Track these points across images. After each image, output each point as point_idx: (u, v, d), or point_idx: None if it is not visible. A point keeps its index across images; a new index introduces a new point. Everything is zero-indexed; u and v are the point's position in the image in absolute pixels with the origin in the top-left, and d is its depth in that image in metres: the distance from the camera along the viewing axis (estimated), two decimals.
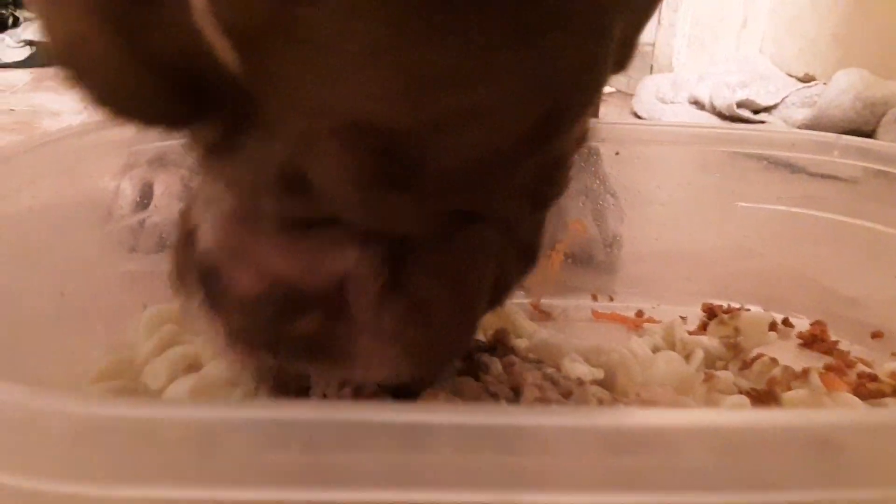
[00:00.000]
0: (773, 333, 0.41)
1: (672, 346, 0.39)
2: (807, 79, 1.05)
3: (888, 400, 0.34)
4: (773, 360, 0.36)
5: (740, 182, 0.47)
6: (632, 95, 1.12)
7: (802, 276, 0.46)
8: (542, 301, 0.45)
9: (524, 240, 0.24)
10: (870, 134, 0.87)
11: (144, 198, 0.40)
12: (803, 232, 0.46)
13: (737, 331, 0.39)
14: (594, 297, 0.47)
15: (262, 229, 0.20)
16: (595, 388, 0.27)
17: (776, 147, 0.46)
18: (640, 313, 0.45)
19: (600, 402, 0.26)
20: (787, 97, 0.96)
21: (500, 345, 0.31)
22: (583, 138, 0.24)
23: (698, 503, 0.16)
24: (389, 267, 0.21)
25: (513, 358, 0.28)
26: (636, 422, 0.16)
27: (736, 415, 0.20)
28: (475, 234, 0.22)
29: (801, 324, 0.44)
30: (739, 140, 0.47)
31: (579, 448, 0.16)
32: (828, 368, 0.38)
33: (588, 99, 0.19)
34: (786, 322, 0.44)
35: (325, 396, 0.24)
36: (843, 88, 0.90)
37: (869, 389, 0.35)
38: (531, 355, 0.32)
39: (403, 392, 0.24)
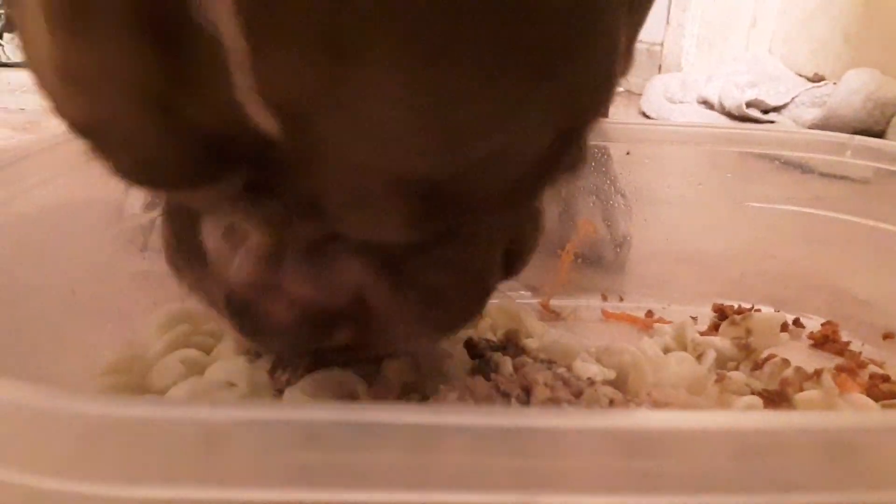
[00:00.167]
0: (784, 334, 0.41)
1: (683, 347, 0.39)
2: (816, 79, 1.04)
3: None
4: (785, 361, 0.36)
5: (751, 182, 0.47)
6: (640, 95, 1.12)
7: (813, 276, 0.46)
8: (552, 301, 0.45)
9: (532, 209, 0.26)
10: (880, 134, 0.87)
11: (155, 197, 0.40)
12: (814, 232, 0.46)
13: (748, 332, 0.39)
14: (604, 298, 0.47)
15: (287, 261, 0.22)
16: (606, 389, 0.27)
17: (789, 147, 0.46)
18: (650, 313, 0.45)
19: (612, 402, 0.26)
20: (796, 97, 0.96)
21: (511, 344, 0.31)
22: None
23: None
24: (400, 264, 0.23)
25: (524, 358, 0.28)
26: (651, 424, 0.16)
27: (751, 417, 0.20)
28: (480, 226, 0.23)
29: (812, 324, 0.43)
30: (750, 140, 0.47)
31: (593, 450, 0.16)
32: (839, 369, 0.37)
33: (602, 109, 0.21)
34: (797, 322, 0.44)
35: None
36: (853, 88, 0.89)
37: (882, 390, 0.35)
38: (542, 355, 0.31)
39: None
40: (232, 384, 0.30)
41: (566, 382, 0.26)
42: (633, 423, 0.17)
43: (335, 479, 0.15)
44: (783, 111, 0.96)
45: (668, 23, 1.22)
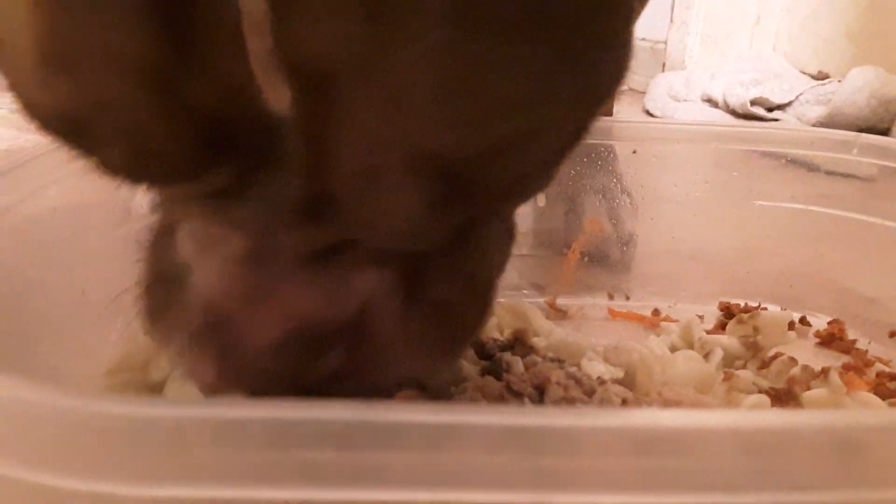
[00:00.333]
0: (791, 333, 0.41)
1: (690, 346, 0.39)
2: (821, 76, 1.04)
3: None
4: (792, 360, 0.36)
5: (757, 180, 0.47)
6: (644, 93, 1.12)
7: (820, 274, 0.46)
8: (559, 300, 0.45)
9: (507, 219, 0.25)
10: (884, 131, 0.87)
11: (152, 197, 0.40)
12: (820, 230, 0.46)
13: (756, 330, 0.39)
14: (610, 296, 0.47)
15: (280, 268, 0.19)
16: (617, 388, 0.27)
17: (795, 145, 0.46)
18: (656, 312, 0.45)
19: (624, 401, 0.26)
20: (801, 95, 0.96)
21: (519, 344, 0.31)
22: None
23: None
24: (407, 276, 0.21)
25: (535, 357, 0.28)
26: (664, 423, 0.16)
27: (762, 416, 0.20)
28: (485, 230, 0.23)
29: (819, 322, 0.44)
30: (757, 138, 0.47)
31: (607, 449, 0.16)
32: (846, 368, 0.37)
33: (611, 100, 0.20)
34: (803, 321, 0.44)
35: None
36: (857, 86, 0.89)
37: (889, 388, 0.35)
38: (550, 354, 0.32)
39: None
40: None
41: (578, 381, 0.26)
42: (647, 422, 0.17)
43: (348, 477, 0.15)
44: (787, 109, 0.96)
45: (672, 21, 1.22)
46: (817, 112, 0.92)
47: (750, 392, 0.34)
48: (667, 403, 0.29)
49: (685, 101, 1.05)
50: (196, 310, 0.20)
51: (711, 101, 1.01)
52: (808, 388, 0.34)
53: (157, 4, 0.15)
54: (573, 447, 0.16)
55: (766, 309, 0.43)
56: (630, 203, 0.47)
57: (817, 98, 0.94)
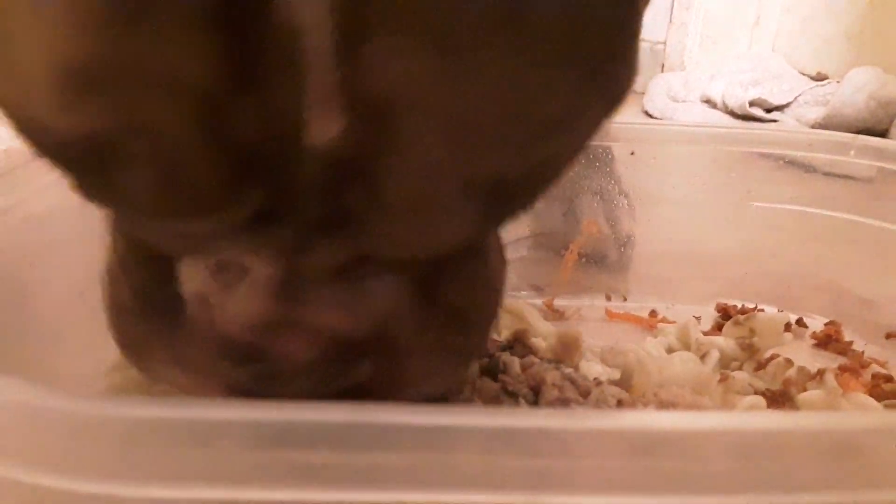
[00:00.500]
0: (787, 334, 0.41)
1: (687, 347, 0.39)
2: (820, 77, 1.04)
3: None
4: (788, 361, 0.36)
5: (755, 182, 0.47)
6: (643, 94, 1.11)
7: (817, 276, 0.46)
8: (556, 301, 0.45)
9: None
10: (883, 133, 0.87)
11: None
12: (818, 232, 0.46)
13: (752, 332, 0.39)
14: (608, 297, 0.47)
15: (306, 289, 0.19)
16: (613, 389, 0.27)
17: (792, 147, 0.46)
18: (653, 313, 0.45)
19: (620, 402, 0.27)
20: (799, 96, 0.96)
21: (518, 344, 0.31)
22: None
23: None
24: (422, 283, 0.21)
25: (532, 358, 0.28)
26: (658, 424, 0.17)
27: (757, 418, 0.20)
28: (496, 235, 0.23)
29: (816, 324, 0.44)
30: (754, 140, 0.47)
31: (602, 450, 0.16)
32: (842, 369, 0.38)
33: None
34: (800, 322, 0.44)
35: None
36: (856, 87, 0.89)
37: (884, 390, 0.35)
38: (549, 355, 0.32)
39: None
40: None
41: (574, 382, 0.26)
42: (640, 423, 0.17)
43: (344, 479, 0.15)
44: (786, 110, 0.96)
45: (671, 21, 1.22)
46: (816, 113, 0.92)
47: (746, 393, 0.34)
48: (663, 405, 0.29)
49: (684, 101, 1.05)
50: (216, 340, 0.20)
51: (710, 102, 1.01)
52: (804, 390, 0.34)
53: (222, 26, 0.14)
54: (565, 449, 0.16)
55: (762, 310, 0.43)
56: (628, 204, 0.47)
57: (816, 99, 0.94)
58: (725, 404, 0.33)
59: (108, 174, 0.17)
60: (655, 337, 0.41)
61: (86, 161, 0.17)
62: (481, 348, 0.25)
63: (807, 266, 0.46)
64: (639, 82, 1.17)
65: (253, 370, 0.20)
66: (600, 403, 0.26)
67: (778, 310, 0.44)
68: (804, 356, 0.40)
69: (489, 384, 0.26)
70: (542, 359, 0.29)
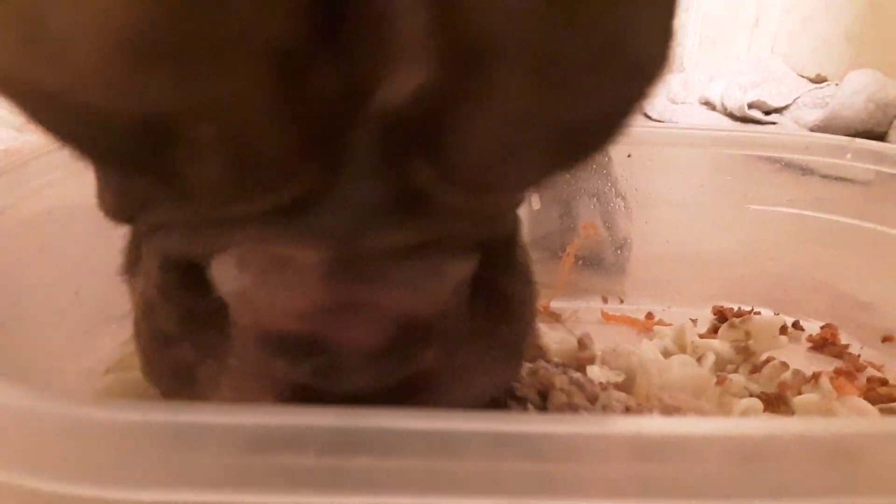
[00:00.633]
0: (783, 337, 0.41)
1: (683, 349, 0.39)
2: (819, 79, 1.04)
3: None
4: (784, 364, 0.36)
5: (752, 184, 0.47)
6: None
7: (814, 279, 0.46)
8: (552, 303, 0.45)
9: None
10: (882, 135, 0.87)
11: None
12: (815, 235, 0.46)
13: (747, 335, 0.39)
14: (604, 300, 0.47)
15: (366, 270, 0.17)
16: (620, 394, 0.27)
17: (789, 150, 0.46)
18: (650, 315, 0.45)
19: (627, 408, 0.27)
20: (798, 98, 0.96)
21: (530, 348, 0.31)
22: None
23: None
24: (479, 276, 0.20)
25: (541, 362, 0.28)
26: (661, 430, 0.17)
27: (757, 423, 0.20)
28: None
29: (812, 327, 0.44)
30: (751, 143, 0.47)
31: (607, 456, 0.16)
32: (838, 372, 0.38)
33: None
34: (796, 325, 0.44)
35: None
36: (855, 89, 0.89)
37: (879, 394, 0.35)
38: (556, 359, 0.32)
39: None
40: None
41: (581, 387, 0.26)
42: (647, 429, 0.17)
43: (349, 484, 0.15)
44: (785, 112, 0.96)
45: None
46: (815, 115, 0.92)
47: (742, 396, 0.34)
48: (667, 409, 0.29)
49: (683, 103, 1.05)
50: (268, 339, 0.18)
51: (709, 104, 1.02)
52: (800, 393, 0.34)
53: None
54: (570, 454, 0.16)
55: (759, 313, 0.43)
56: (625, 207, 0.48)
57: (815, 101, 0.94)
58: (722, 407, 0.33)
59: (165, 162, 0.15)
60: (651, 339, 0.41)
61: (139, 151, 0.15)
62: (530, 345, 0.24)
63: (804, 269, 0.46)
64: None
65: (313, 364, 0.18)
66: (607, 409, 0.26)
67: (775, 312, 0.44)
68: (800, 359, 0.40)
69: None
70: (548, 361, 0.29)
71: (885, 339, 0.41)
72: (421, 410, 0.16)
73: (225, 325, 0.19)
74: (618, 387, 0.31)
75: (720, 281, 0.46)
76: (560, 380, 0.27)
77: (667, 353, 0.39)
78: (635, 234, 0.48)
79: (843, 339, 0.42)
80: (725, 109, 0.98)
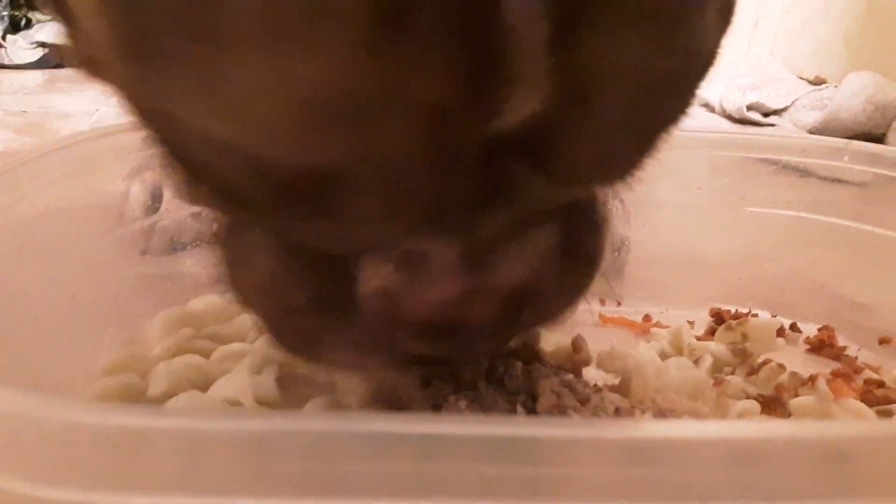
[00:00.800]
0: (780, 339, 0.41)
1: (680, 352, 0.39)
2: (818, 81, 1.04)
3: None
4: (781, 367, 0.36)
5: (750, 186, 0.47)
6: None
7: (811, 281, 0.46)
8: None
9: None
10: (880, 138, 0.87)
11: (155, 201, 0.40)
12: (812, 237, 0.46)
13: (744, 337, 0.39)
14: (602, 302, 0.47)
15: (485, 257, 0.20)
16: (612, 396, 0.27)
17: (786, 152, 0.46)
18: (647, 318, 0.45)
19: (618, 410, 0.26)
20: (797, 100, 0.96)
21: (525, 348, 0.31)
22: None
23: None
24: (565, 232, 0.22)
25: (536, 364, 0.28)
26: (654, 433, 0.17)
27: (753, 426, 0.20)
28: None
29: (809, 329, 0.44)
30: (749, 145, 0.47)
31: (598, 459, 0.16)
32: (835, 374, 0.38)
33: None
34: (793, 327, 0.44)
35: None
36: (854, 91, 0.89)
37: (876, 396, 0.35)
38: (552, 361, 0.31)
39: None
40: (236, 402, 0.31)
41: (573, 389, 0.26)
42: (637, 432, 0.17)
43: (340, 488, 0.15)
44: (784, 114, 0.96)
45: None
46: (813, 117, 0.92)
47: (739, 398, 0.34)
48: (661, 412, 0.29)
49: None
50: (408, 327, 0.21)
51: (708, 106, 1.02)
52: (796, 395, 0.34)
53: (460, 35, 0.14)
54: (561, 457, 0.16)
55: (756, 315, 0.43)
56: (622, 208, 0.47)
57: (813, 103, 0.94)
58: (719, 409, 0.33)
59: (323, 203, 0.16)
60: (648, 342, 0.41)
61: (298, 196, 0.16)
62: (594, 278, 0.27)
63: (801, 271, 0.46)
64: None
65: (448, 345, 0.21)
66: (598, 411, 0.26)
67: (772, 314, 0.44)
68: (797, 361, 0.40)
69: (489, 390, 0.26)
70: (544, 364, 0.29)
71: (883, 341, 0.41)
72: (410, 415, 0.16)
73: (352, 302, 0.21)
74: (614, 389, 0.31)
75: (718, 283, 0.46)
76: (551, 382, 0.27)
77: (664, 356, 0.39)
78: (633, 236, 0.47)
79: (841, 341, 0.42)
80: (724, 112, 0.98)
